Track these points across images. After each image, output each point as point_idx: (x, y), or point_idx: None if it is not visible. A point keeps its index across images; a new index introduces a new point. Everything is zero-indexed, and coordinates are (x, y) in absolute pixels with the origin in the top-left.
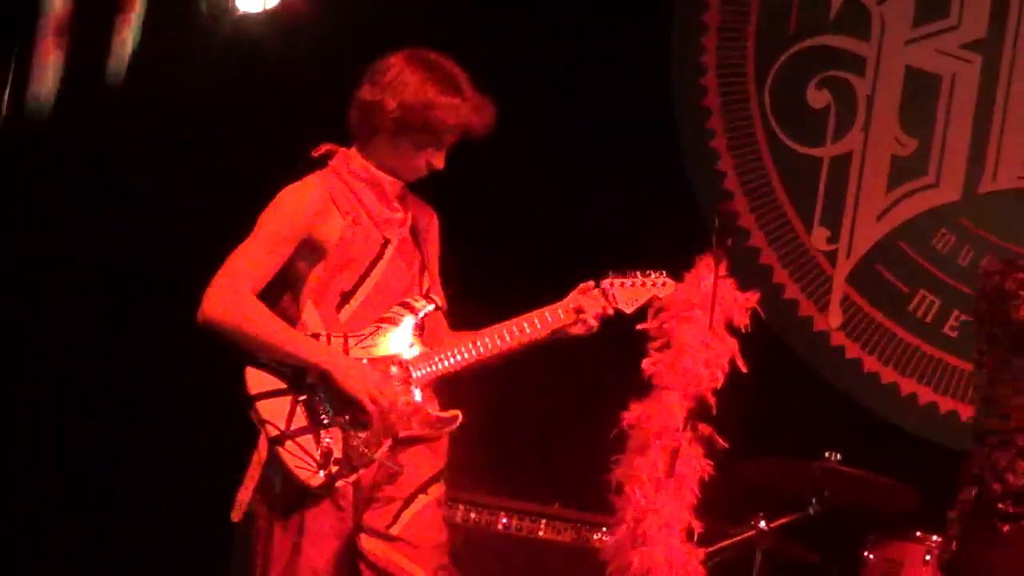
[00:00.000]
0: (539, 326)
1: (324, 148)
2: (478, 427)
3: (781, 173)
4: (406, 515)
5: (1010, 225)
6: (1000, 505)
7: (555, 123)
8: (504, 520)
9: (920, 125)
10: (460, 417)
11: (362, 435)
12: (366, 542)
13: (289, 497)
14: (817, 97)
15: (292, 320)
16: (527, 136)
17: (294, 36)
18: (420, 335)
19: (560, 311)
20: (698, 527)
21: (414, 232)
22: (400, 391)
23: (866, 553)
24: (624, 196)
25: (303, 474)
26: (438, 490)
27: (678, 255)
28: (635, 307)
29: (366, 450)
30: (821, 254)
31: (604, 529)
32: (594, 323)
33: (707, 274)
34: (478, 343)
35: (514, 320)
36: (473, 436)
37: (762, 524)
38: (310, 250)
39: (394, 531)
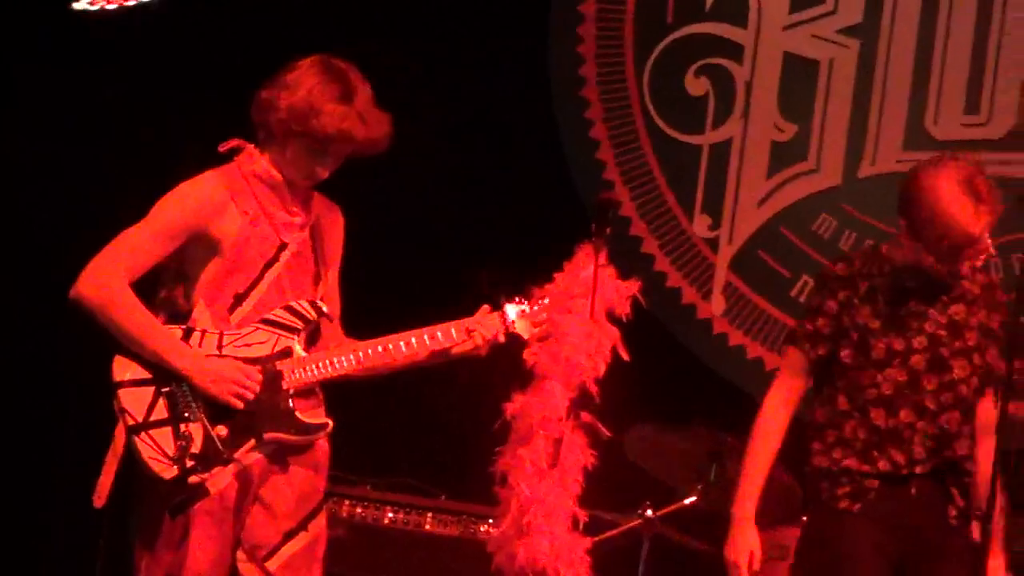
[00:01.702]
0: (428, 343)
1: (231, 143)
2: (362, 420)
3: (661, 161)
4: (285, 551)
5: (890, 209)
6: (838, 491)
7: (436, 117)
8: (390, 514)
9: (799, 111)
10: (330, 425)
11: (222, 433)
12: (243, 566)
13: (173, 493)
14: (696, 85)
15: (183, 315)
16: (409, 131)
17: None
18: (303, 340)
19: (453, 330)
20: (583, 516)
21: (314, 237)
22: (268, 393)
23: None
24: (506, 188)
25: (156, 466)
26: (318, 525)
27: (559, 245)
28: (532, 332)
29: (223, 448)
30: (703, 241)
31: (490, 521)
32: (481, 343)
33: (587, 264)
34: (360, 354)
35: (401, 334)
36: (358, 429)
37: (648, 512)
38: (205, 246)
39: (271, 565)
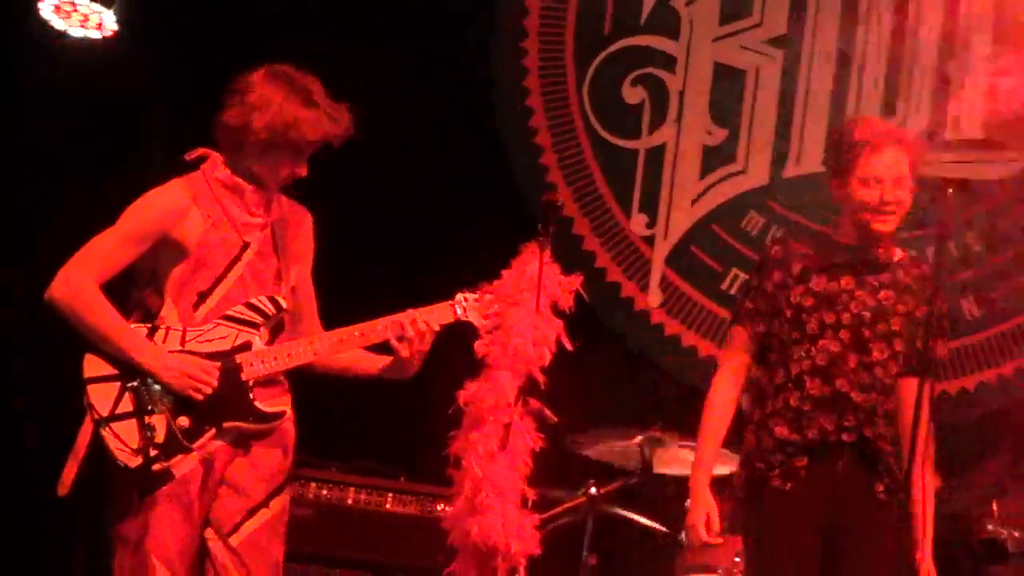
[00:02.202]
0: (380, 331)
1: (197, 153)
2: (330, 409)
3: (601, 165)
4: (247, 527)
5: (813, 205)
6: (771, 470)
7: (388, 126)
8: (353, 495)
9: (728, 116)
10: (287, 413)
11: (184, 424)
12: (212, 543)
13: (138, 480)
14: (632, 93)
15: (154, 313)
16: (364, 139)
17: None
18: (264, 334)
19: (403, 321)
20: (532, 495)
21: (277, 236)
22: (227, 385)
23: None
24: (456, 192)
25: (122, 456)
26: (280, 503)
27: (506, 244)
28: (482, 323)
29: (184, 438)
30: (640, 239)
31: (445, 500)
32: (423, 329)
33: (533, 260)
34: (315, 345)
35: (356, 326)
36: (325, 417)
37: (593, 490)
38: (172, 249)
39: (233, 541)
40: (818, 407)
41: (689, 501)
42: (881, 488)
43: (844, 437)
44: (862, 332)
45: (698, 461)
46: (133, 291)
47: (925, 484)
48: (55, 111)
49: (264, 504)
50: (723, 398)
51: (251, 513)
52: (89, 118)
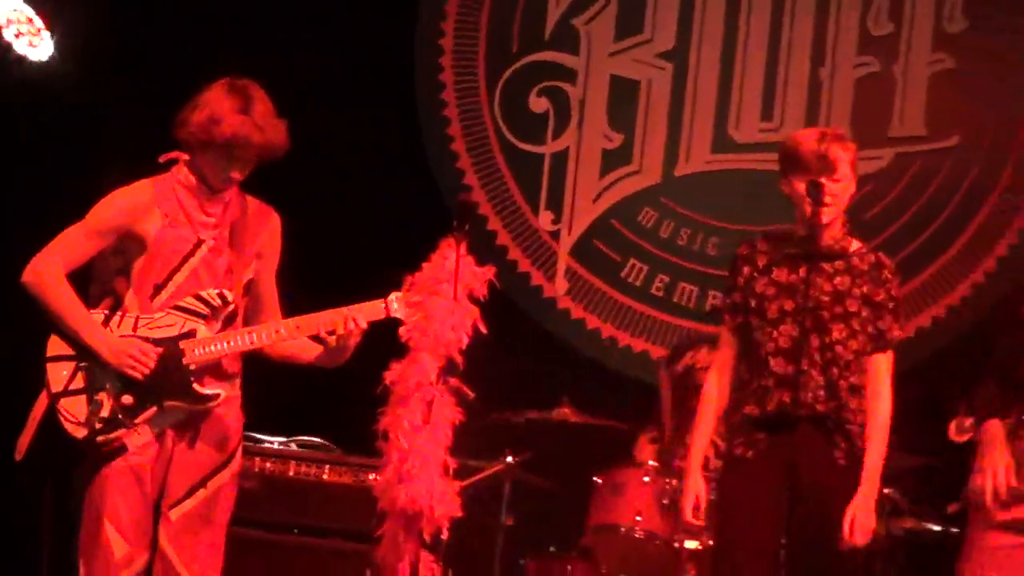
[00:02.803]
0: (314, 324)
1: (169, 156)
2: (273, 389)
3: (511, 168)
4: (186, 504)
5: (702, 201)
6: (736, 440)
7: (320, 135)
8: (294, 467)
9: (624, 122)
10: (222, 395)
11: (128, 401)
12: (161, 517)
13: (87, 450)
14: (538, 103)
15: (121, 301)
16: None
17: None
18: (214, 324)
19: (337, 317)
20: (453, 463)
21: (234, 235)
22: (170, 368)
23: (595, 479)
24: (381, 193)
25: (69, 427)
26: (220, 479)
27: (426, 240)
28: (407, 312)
29: (127, 414)
30: (547, 233)
31: (376, 470)
32: (353, 326)
33: (450, 254)
34: (254, 334)
35: (295, 318)
36: (269, 397)
37: (509, 459)
38: (135, 243)
39: (173, 515)
40: (780, 384)
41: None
42: (840, 455)
43: (803, 411)
44: (821, 315)
45: (691, 447)
46: (107, 280)
47: (873, 441)
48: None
49: (202, 484)
50: (711, 390)
51: (191, 492)
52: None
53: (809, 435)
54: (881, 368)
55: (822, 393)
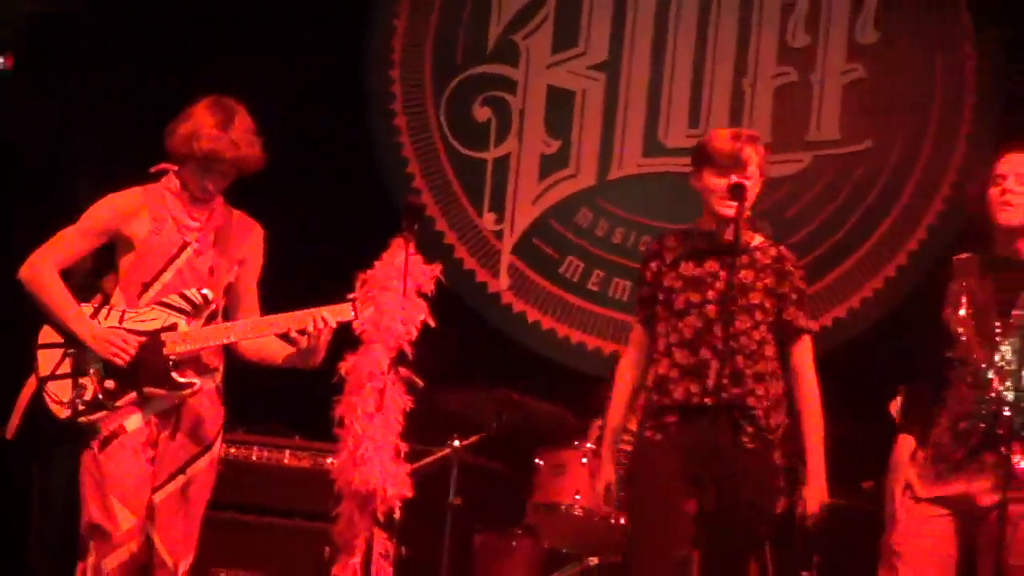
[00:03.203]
0: (284, 323)
1: (159, 167)
2: (238, 381)
3: (456, 172)
4: (169, 487)
5: (634, 202)
6: (647, 424)
7: (278, 144)
8: (256, 452)
9: (561, 129)
10: (196, 385)
11: (110, 386)
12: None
13: (77, 430)
14: (481, 112)
15: (109, 296)
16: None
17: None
18: (197, 320)
19: (307, 316)
20: (404, 447)
21: (219, 241)
22: (151, 358)
23: (537, 460)
24: (334, 197)
25: (54, 407)
26: (198, 466)
27: (378, 240)
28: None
29: (108, 397)
30: (491, 233)
31: (332, 454)
32: (322, 326)
33: (400, 253)
34: (230, 330)
35: (268, 317)
36: (234, 388)
37: (456, 443)
38: (124, 244)
39: (156, 499)
40: (684, 374)
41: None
42: (747, 439)
43: (707, 400)
44: (727, 306)
45: (604, 436)
46: (100, 277)
47: (809, 429)
48: None
49: (181, 471)
50: (622, 381)
51: (171, 477)
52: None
53: (716, 421)
54: (802, 357)
55: (726, 381)
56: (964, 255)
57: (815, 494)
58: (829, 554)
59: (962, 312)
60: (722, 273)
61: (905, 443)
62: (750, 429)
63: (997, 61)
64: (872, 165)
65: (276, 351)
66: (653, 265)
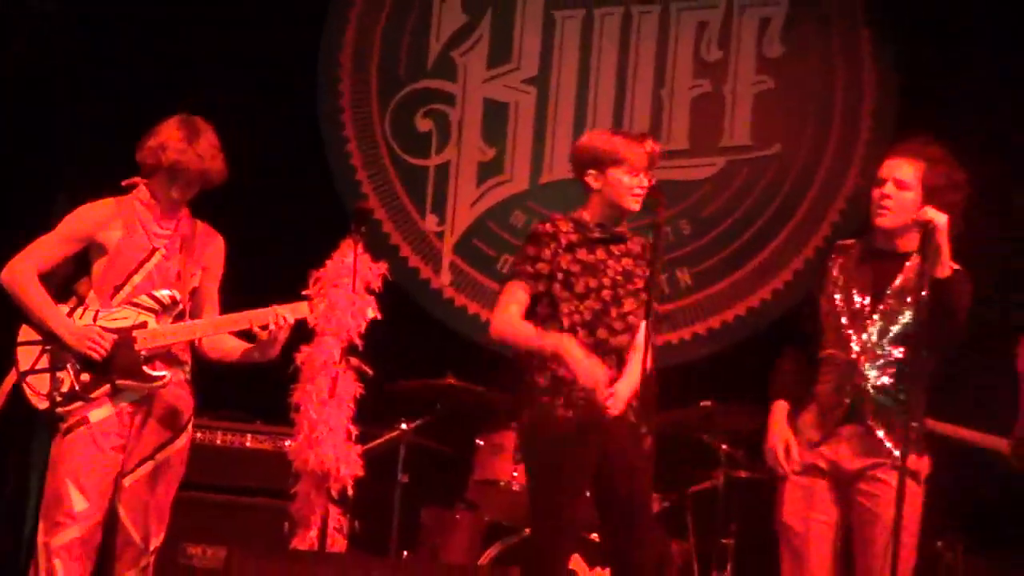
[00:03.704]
0: (243, 321)
1: (130, 181)
2: (204, 372)
3: (401, 179)
4: (136, 473)
5: (563, 204)
6: (557, 400)
7: (237, 153)
8: (221, 436)
9: (497, 138)
10: (168, 376)
11: (85, 379)
12: (119, 482)
13: (48, 420)
14: (423, 123)
15: (83, 298)
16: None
17: None
18: (161, 317)
19: (267, 313)
20: (355, 430)
21: (185, 248)
22: (123, 352)
23: (478, 441)
24: (289, 201)
25: (33, 399)
26: (168, 452)
27: (329, 241)
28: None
29: (83, 389)
30: (433, 234)
31: (290, 437)
32: (281, 322)
33: (349, 252)
34: (194, 326)
35: (229, 315)
36: (201, 378)
37: (404, 425)
38: (97, 250)
39: (126, 482)
40: (588, 352)
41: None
42: (632, 413)
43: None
44: (618, 291)
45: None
46: (76, 281)
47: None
48: None
49: (151, 457)
50: (525, 326)
51: (141, 462)
52: None
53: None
54: (646, 331)
55: (615, 358)
56: (848, 241)
57: (618, 395)
58: (746, 523)
59: (838, 296)
60: (610, 262)
61: (780, 408)
62: (635, 404)
63: (892, 72)
64: (781, 168)
65: (233, 348)
66: (553, 246)
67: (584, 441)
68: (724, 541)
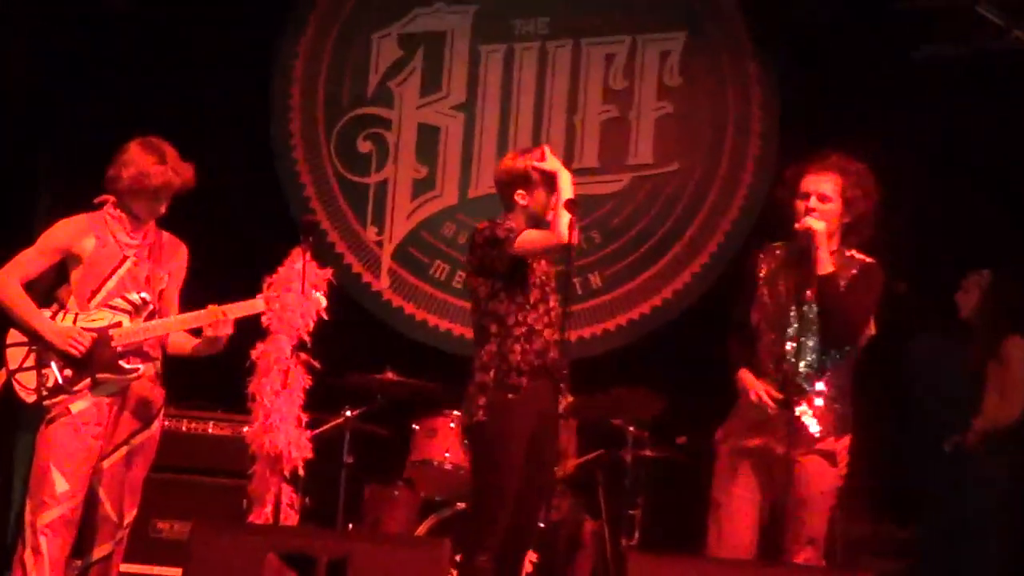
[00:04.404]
0: (196, 320)
1: (102, 198)
2: (173, 366)
3: (344, 194)
4: (116, 457)
5: (488, 215)
6: (508, 380)
7: (199, 172)
8: (187, 424)
9: (429, 158)
10: (142, 369)
11: (68, 374)
12: (98, 465)
13: (43, 412)
14: (364, 145)
15: (63, 303)
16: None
17: None
18: (134, 317)
19: (218, 311)
20: (305, 417)
21: (153, 255)
22: (101, 349)
23: (414, 425)
24: (245, 214)
25: (22, 393)
26: (141, 438)
27: (281, 250)
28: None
29: (66, 383)
30: (373, 243)
31: (248, 424)
32: (230, 318)
33: (299, 259)
34: (158, 323)
35: (185, 314)
36: (169, 372)
37: (348, 413)
38: (73, 260)
39: (104, 464)
40: (528, 341)
41: None
42: (560, 399)
43: (537, 362)
44: (546, 288)
45: None
46: (57, 288)
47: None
48: None
49: (126, 442)
50: None
51: (116, 448)
52: None
53: (546, 384)
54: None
55: (550, 347)
56: (776, 244)
57: None
58: (651, 495)
59: (766, 292)
60: (548, 267)
61: (745, 373)
62: (563, 386)
63: (775, 96)
64: (679, 183)
65: (184, 344)
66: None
67: (524, 420)
68: (632, 512)
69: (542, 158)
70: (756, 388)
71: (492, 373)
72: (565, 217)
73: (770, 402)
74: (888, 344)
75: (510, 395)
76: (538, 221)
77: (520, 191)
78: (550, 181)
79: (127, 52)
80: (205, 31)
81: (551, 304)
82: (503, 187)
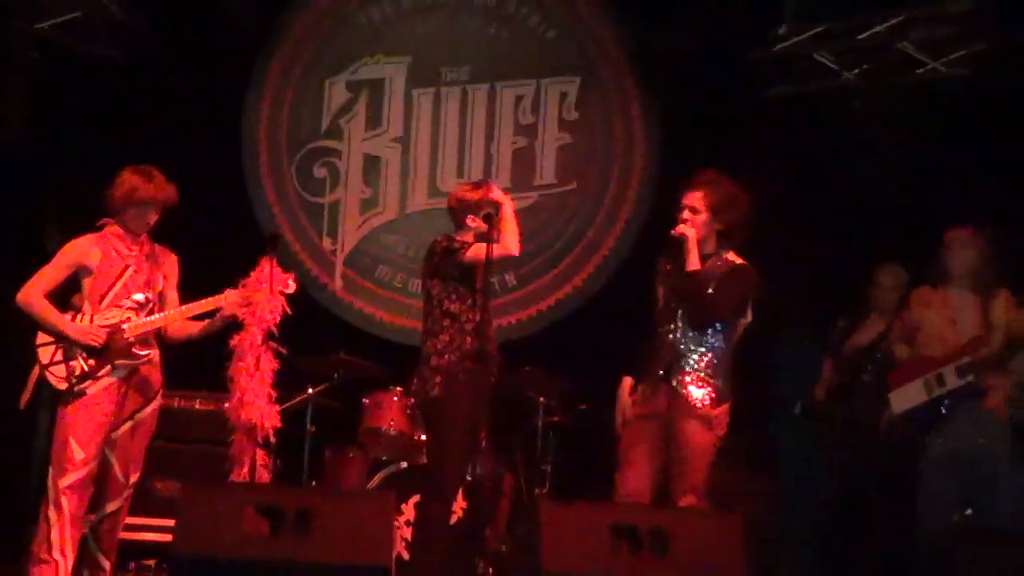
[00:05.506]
0: (198, 308)
1: (101, 221)
2: (167, 353)
3: (304, 212)
4: (122, 429)
5: (422, 227)
6: (462, 364)
7: (180, 192)
8: (177, 401)
9: (373, 182)
10: (150, 354)
11: (91, 364)
12: (109, 436)
13: (66, 396)
14: (319, 172)
15: (79, 308)
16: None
17: None
18: (139, 313)
19: (216, 301)
20: (274, 394)
21: (150, 263)
22: (116, 340)
23: (364, 400)
24: (222, 229)
25: (55, 382)
26: (142, 415)
27: (252, 258)
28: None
29: (90, 371)
30: (329, 252)
31: (228, 400)
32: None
33: (267, 266)
34: (161, 316)
35: (192, 303)
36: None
37: (310, 390)
38: (85, 271)
39: (113, 436)
40: (475, 334)
41: None
42: (492, 379)
43: (482, 350)
44: (487, 291)
45: None
46: (72, 296)
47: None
48: None
49: (131, 417)
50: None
51: (123, 421)
52: None
53: (487, 367)
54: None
55: (487, 334)
56: (666, 251)
57: None
58: (560, 454)
59: (663, 288)
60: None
61: (626, 382)
62: (495, 368)
63: (656, 127)
64: (577, 199)
65: (193, 328)
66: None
67: (478, 400)
68: (543, 467)
69: (490, 191)
70: (621, 408)
71: (447, 358)
72: (512, 235)
73: (620, 421)
74: (760, 332)
75: (461, 375)
76: (483, 238)
77: (471, 215)
78: (496, 208)
79: (119, 98)
80: (185, 79)
81: (491, 304)
82: (457, 212)
